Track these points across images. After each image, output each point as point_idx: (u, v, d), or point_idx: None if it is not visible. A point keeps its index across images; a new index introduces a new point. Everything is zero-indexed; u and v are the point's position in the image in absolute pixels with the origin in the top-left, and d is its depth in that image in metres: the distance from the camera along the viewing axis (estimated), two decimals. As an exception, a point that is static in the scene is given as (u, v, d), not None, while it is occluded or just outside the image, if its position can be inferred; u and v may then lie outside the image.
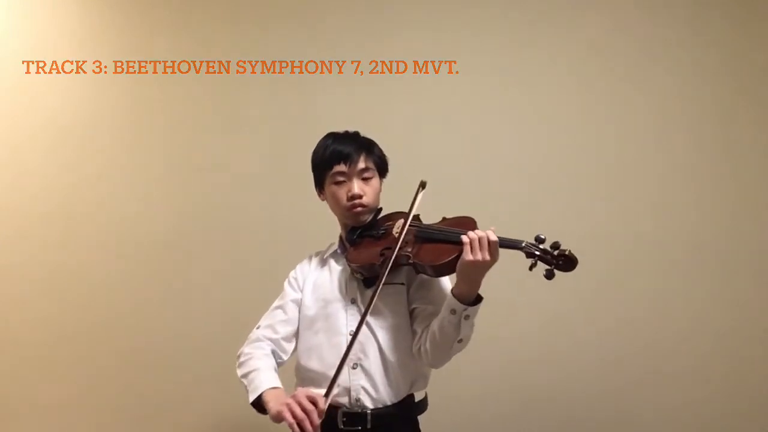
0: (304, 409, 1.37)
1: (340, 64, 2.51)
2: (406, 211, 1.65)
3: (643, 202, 2.37)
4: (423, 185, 1.56)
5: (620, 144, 2.40)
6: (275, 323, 1.68)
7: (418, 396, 1.63)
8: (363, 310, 1.58)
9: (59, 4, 2.61)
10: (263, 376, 1.55)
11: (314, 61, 2.51)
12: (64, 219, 2.54)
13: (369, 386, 1.56)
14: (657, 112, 2.40)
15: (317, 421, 1.38)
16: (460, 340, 1.45)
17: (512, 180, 2.41)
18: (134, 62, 2.57)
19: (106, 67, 2.57)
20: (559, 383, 2.31)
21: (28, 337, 2.52)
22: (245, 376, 1.58)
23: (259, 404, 1.51)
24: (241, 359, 1.63)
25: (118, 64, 2.57)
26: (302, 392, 1.41)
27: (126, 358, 2.48)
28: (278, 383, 1.54)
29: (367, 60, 2.50)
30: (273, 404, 1.45)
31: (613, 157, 2.39)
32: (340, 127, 1.73)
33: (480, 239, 1.38)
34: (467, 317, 1.41)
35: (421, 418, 1.64)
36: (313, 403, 1.38)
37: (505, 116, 2.44)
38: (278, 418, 1.41)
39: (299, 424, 1.36)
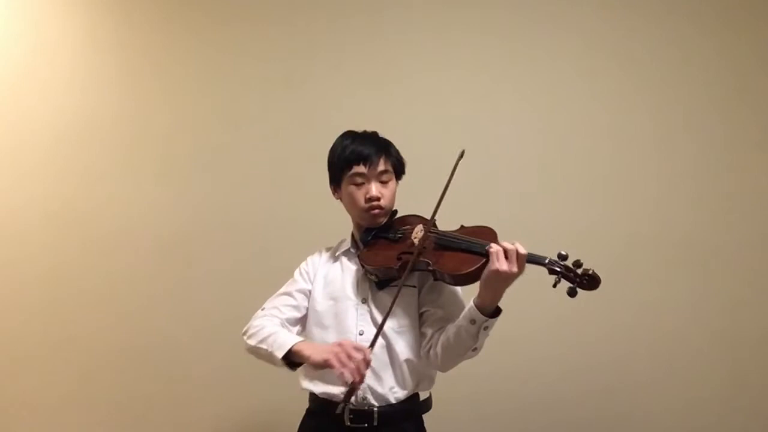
0: (351, 357, 1.39)
1: (342, 64, 2.48)
2: (419, 214, 1.69)
3: (641, 202, 2.40)
4: (461, 155, 1.54)
5: (619, 144, 2.42)
6: (281, 306, 1.67)
7: (423, 395, 1.67)
8: (372, 310, 1.61)
9: (59, 4, 2.52)
10: (286, 334, 1.56)
11: (316, 61, 2.48)
12: (64, 219, 2.49)
13: (376, 385, 1.58)
14: (656, 112, 2.42)
15: (365, 369, 1.40)
16: (475, 349, 1.49)
17: (511, 180, 2.43)
18: (134, 62, 2.51)
19: (105, 67, 2.52)
20: (559, 383, 2.36)
21: (27, 337, 2.47)
22: (263, 341, 1.56)
23: (288, 361, 1.51)
24: (251, 331, 1.61)
25: (118, 64, 2.52)
26: (347, 342, 1.44)
27: (126, 358, 2.46)
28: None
29: (371, 60, 2.48)
30: (312, 352, 1.47)
31: (612, 157, 2.42)
32: (342, 128, 1.71)
33: (508, 251, 1.39)
34: (486, 328, 1.45)
35: (425, 416, 1.68)
36: (360, 351, 1.40)
37: (504, 117, 2.46)
38: (323, 366, 1.42)
39: (350, 372, 1.38)
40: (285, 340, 1.53)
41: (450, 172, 1.51)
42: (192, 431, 2.43)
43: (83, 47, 2.54)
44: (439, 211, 1.55)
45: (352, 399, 1.56)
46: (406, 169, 1.74)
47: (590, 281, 1.39)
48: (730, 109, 2.41)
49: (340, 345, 1.43)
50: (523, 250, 1.40)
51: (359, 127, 1.71)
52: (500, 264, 1.38)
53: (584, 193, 2.41)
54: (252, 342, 1.59)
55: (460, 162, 1.52)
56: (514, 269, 1.38)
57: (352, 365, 1.38)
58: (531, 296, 2.24)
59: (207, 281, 2.46)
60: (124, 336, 2.46)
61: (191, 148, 2.51)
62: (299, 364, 1.55)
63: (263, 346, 1.56)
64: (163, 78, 2.52)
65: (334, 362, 1.39)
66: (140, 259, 2.48)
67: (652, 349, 2.37)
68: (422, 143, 2.38)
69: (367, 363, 1.41)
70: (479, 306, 1.43)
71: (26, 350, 2.47)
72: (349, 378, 1.38)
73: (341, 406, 1.44)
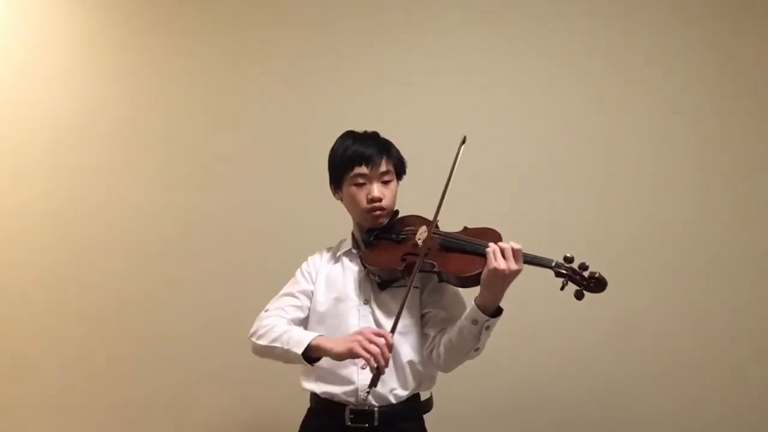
0: (375, 343, 1.40)
1: (343, 65, 2.48)
2: (419, 214, 1.69)
3: (640, 202, 2.40)
4: (464, 141, 1.56)
5: (618, 144, 2.43)
6: (285, 306, 1.67)
7: (424, 395, 1.67)
8: (375, 311, 1.61)
9: (59, 4, 2.53)
10: (300, 331, 1.56)
11: (316, 61, 2.48)
12: (63, 219, 2.49)
13: (378, 385, 1.55)
14: (656, 114, 2.43)
15: (388, 353, 1.41)
16: (477, 349, 1.49)
17: (510, 180, 2.44)
18: (134, 63, 2.51)
19: (105, 67, 2.52)
20: (559, 383, 2.37)
21: (26, 336, 2.47)
22: (276, 339, 1.55)
23: (306, 356, 1.50)
24: (261, 331, 1.60)
25: (118, 65, 2.51)
26: (367, 329, 1.46)
27: (125, 358, 2.45)
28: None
29: (371, 62, 2.48)
30: (333, 344, 1.48)
31: (611, 158, 2.43)
32: (341, 129, 1.71)
33: (504, 249, 1.41)
34: (488, 328, 1.45)
35: (426, 416, 1.68)
36: (381, 336, 1.42)
37: (504, 117, 2.46)
38: (347, 356, 1.44)
39: (375, 358, 1.39)
40: (302, 336, 1.52)
41: (453, 161, 1.53)
42: (188, 430, 2.43)
43: (83, 47, 2.53)
44: (440, 210, 1.55)
45: (352, 400, 1.58)
46: (407, 170, 1.74)
47: (597, 284, 1.40)
48: (730, 111, 2.41)
49: (361, 333, 1.44)
50: (517, 246, 1.42)
51: (359, 128, 1.71)
52: (498, 263, 1.40)
53: (584, 194, 2.42)
54: (263, 342, 1.58)
55: (462, 148, 1.54)
56: (513, 266, 1.40)
57: (377, 350, 1.39)
58: (532, 297, 2.25)
59: (207, 281, 2.45)
60: (123, 336, 2.46)
61: (190, 149, 2.51)
62: (317, 359, 1.54)
63: (277, 344, 1.54)
64: (163, 79, 2.52)
65: (359, 350, 1.40)
66: (139, 259, 2.48)
67: (652, 350, 2.37)
68: (421, 143, 2.36)
69: (390, 347, 1.42)
70: (481, 306, 1.44)
71: (25, 350, 2.46)
72: (374, 364, 1.39)
73: (366, 392, 1.46)
